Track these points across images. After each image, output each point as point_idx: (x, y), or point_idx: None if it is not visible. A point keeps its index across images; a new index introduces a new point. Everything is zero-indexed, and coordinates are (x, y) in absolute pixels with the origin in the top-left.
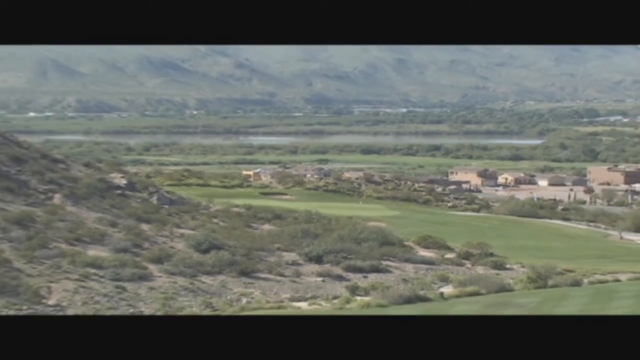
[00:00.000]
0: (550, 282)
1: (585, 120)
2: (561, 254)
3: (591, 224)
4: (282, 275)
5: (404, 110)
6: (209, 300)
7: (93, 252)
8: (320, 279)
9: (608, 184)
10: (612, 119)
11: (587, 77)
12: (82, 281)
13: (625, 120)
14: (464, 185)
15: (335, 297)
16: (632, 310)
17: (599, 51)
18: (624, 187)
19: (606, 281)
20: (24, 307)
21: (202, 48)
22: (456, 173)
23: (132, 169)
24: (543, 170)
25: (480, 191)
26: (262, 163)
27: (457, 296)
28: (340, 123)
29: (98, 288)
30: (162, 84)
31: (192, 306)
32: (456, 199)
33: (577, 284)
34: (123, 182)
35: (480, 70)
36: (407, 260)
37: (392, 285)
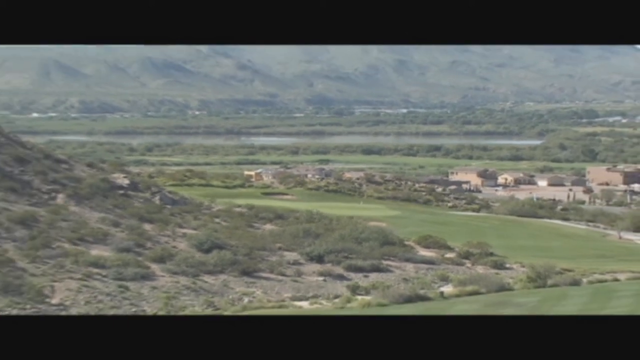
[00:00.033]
0: (549, 282)
1: (584, 120)
2: (560, 254)
3: (590, 223)
4: (283, 274)
5: (405, 110)
6: (211, 300)
7: (96, 251)
8: (321, 278)
9: (607, 184)
10: (610, 119)
11: (586, 78)
12: (85, 280)
13: (624, 120)
14: (464, 186)
15: (336, 297)
16: (631, 309)
17: (598, 52)
18: (622, 187)
19: (605, 280)
20: (28, 306)
21: (204, 49)
22: (456, 173)
23: (134, 169)
24: (542, 171)
25: (480, 191)
26: (264, 163)
27: (457, 295)
28: (341, 124)
29: (101, 287)
30: (165, 85)
31: (194, 305)
32: (456, 199)
33: (576, 283)
34: (126, 182)
35: (480, 71)
36: (407, 260)
37: (392, 284)
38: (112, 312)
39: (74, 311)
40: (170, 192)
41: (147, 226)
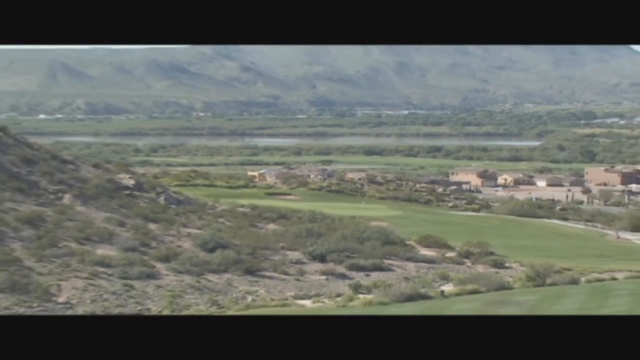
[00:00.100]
0: (548, 281)
1: (582, 122)
2: (559, 253)
3: (589, 223)
4: (286, 273)
5: (406, 112)
6: (215, 298)
7: (102, 251)
8: (323, 277)
9: (605, 184)
10: (609, 121)
11: (584, 80)
12: (91, 279)
13: (622, 122)
14: (464, 186)
15: (339, 295)
16: (629, 307)
17: (596, 55)
18: (620, 187)
19: (603, 279)
20: (35, 304)
21: (208, 52)
22: (457, 174)
23: (140, 170)
24: (541, 171)
25: (480, 191)
26: (267, 164)
27: (458, 294)
28: (343, 125)
29: (107, 286)
30: (170, 86)
31: (198, 304)
32: (457, 199)
33: (574, 282)
34: (131, 182)
35: (480, 74)
36: (408, 259)
37: (394, 283)
38: (117, 311)
39: (80, 309)
40: (175, 192)
41: (152, 226)
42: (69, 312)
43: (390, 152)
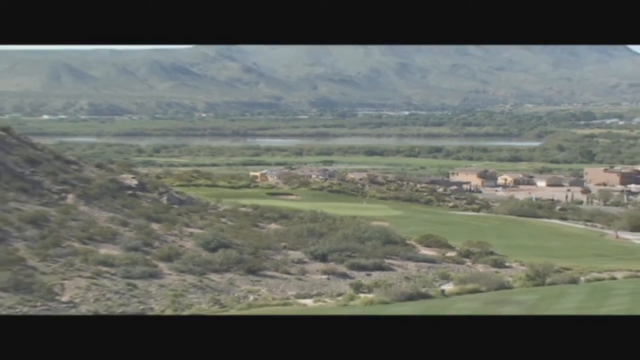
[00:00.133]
0: (548, 280)
1: (582, 122)
2: (559, 253)
3: (588, 223)
4: (288, 273)
5: (407, 113)
6: (217, 298)
7: (105, 250)
8: (325, 276)
9: (604, 184)
10: (608, 121)
11: (584, 81)
12: (94, 279)
13: (621, 122)
14: (465, 186)
15: (340, 294)
16: (628, 307)
17: (596, 56)
18: (619, 187)
19: (603, 279)
20: (38, 303)
21: (210, 53)
22: (457, 174)
23: (142, 170)
24: (541, 172)
25: (480, 192)
26: (269, 164)
27: (458, 293)
28: (344, 125)
29: (110, 285)
30: (172, 87)
31: (200, 303)
32: (457, 199)
33: (574, 281)
34: (134, 182)
35: (480, 75)
36: (409, 259)
37: (394, 282)
38: (120, 310)
39: (83, 309)
40: (177, 192)
41: (154, 226)
42: (73, 311)
43: (391, 153)
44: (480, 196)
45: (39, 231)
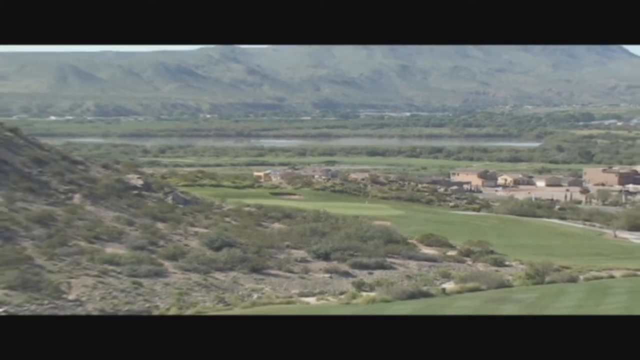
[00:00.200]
0: (547, 279)
1: (581, 123)
2: (558, 252)
3: (587, 223)
4: (291, 271)
5: (408, 114)
6: (221, 296)
7: (111, 249)
8: (327, 275)
9: (603, 184)
10: (606, 122)
11: (582, 82)
12: (101, 277)
13: (619, 123)
14: (465, 186)
15: (342, 293)
16: (626, 305)
17: (594, 58)
18: (618, 187)
19: (601, 277)
20: (45, 301)
21: (215, 55)
22: (458, 174)
23: (148, 170)
24: (541, 172)
25: (480, 191)
26: (272, 165)
27: (459, 292)
28: (347, 126)
29: (116, 284)
30: (177, 89)
31: (205, 301)
32: (458, 199)
33: (573, 280)
34: (140, 182)
35: (480, 76)
36: (410, 258)
37: (396, 281)
38: (126, 308)
39: (89, 307)
40: (182, 192)
41: (160, 225)
42: (79, 309)
43: (392, 153)
44: (480, 196)
45: (46, 230)
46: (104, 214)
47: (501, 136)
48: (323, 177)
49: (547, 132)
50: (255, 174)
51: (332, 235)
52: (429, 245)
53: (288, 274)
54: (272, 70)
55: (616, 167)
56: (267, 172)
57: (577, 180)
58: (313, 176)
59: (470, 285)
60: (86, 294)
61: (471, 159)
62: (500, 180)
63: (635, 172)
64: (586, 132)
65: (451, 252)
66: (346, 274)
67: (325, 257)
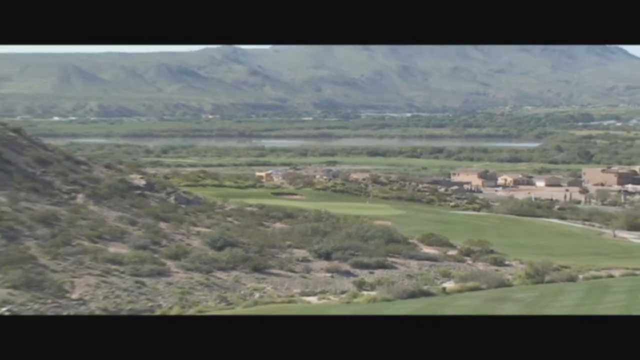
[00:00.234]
0: (547, 278)
1: (580, 124)
2: (558, 251)
3: (586, 222)
4: (293, 271)
5: (409, 114)
6: (223, 295)
7: (114, 249)
8: (329, 274)
9: (602, 184)
10: (605, 123)
11: (582, 83)
12: (104, 276)
13: (618, 124)
14: (466, 186)
15: (343, 292)
16: (625, 304)
17: (593, 59)
18: (617, 187)
19: (600, 277)
20: (49, 300)
21: (217, 56)
22: (458, 174)
23: (151, 170)
24: (540, 172)
25: (480, 191)
26: (274, 165)
27: (459, 291)
28: (348, 127)
29: (119, 283)
30: (180, 89)
31: (207, 300)
32: (458, 198)
33: (572, 279)
34: (142, 182)
35: (480, 77)
36: (411, 257)
37: (397, 280)
38: (129, 307)
39: (92, 306)
40: (184, 192)
41: (162, 225)
42: (82, 308)
43: (393, 153)
44: (480, 196)
45: (49, 230)
46: (107, 214)
47: (501, 136)
48: (324, 177)
49: (547, 132)
50: (257, 174)
51: (333, 235)
52: (430, 244)
53: (290, 274)
54: (274, 71)
55: (615, 167)
56: (269, 172)
57: (576, 180)
58: (314, 176)
59: (470, 284)
60: (89, 293)
61: (471, 159)
62: (500, 181)
63: (634, 172)
64: (585, 132)
65: (451, 252)
66: (347, 274)
67: (327, 256)
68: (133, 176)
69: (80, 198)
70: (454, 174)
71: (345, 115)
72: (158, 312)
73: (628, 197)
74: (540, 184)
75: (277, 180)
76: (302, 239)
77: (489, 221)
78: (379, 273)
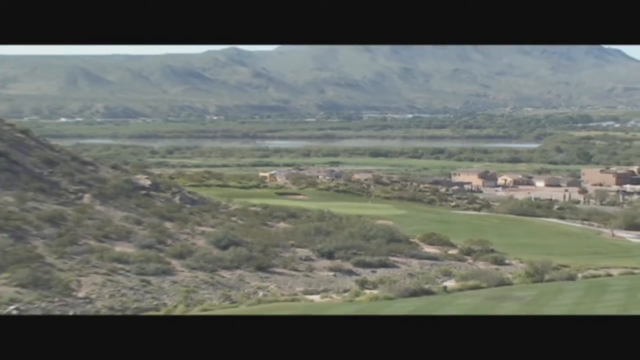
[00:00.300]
0: (546, 277)
1: (579, 125)
2: (557, 251)
3: (585, 222)
4: (296, 270)
5: (410, 116)
6: (227, 294)
7: (120, 248)
8: (331, 273)
9: (601, 184)
10: (604, 124)
11: (581, 85)
12: (110, 275)
13: (617, 125)
14: (466, 186)
15: (346, 291)
16: (623, 303)
17: (592, 61)
18: (615, 187)
19: (599, 276)
20: (56, 299)
21: (221, 58)
22: (459, 175)
23: (156, 171)
24: (540, 172)
25: (481, 191)
26: (278, 165)
27: (460, 290)
28: (350, 128)
29: (124, 282)
30: (185, 91)
31: (212, 299)
32: (459, 198)
33: (571, 278)
34: (148, 183)
35: (481, 79)
36: (412, 256)
37: (398, 279)
38: (135, 305)
39: (99, 304)
40: (189, 192)
41: (167, 224)
42: (89, 307)
43: (395, 154)
44: (481, 196)
45: (56, 229)
46: (113, 214)
47: (501, 137)
48: (327, 178)
49: (546, 133)
50: (261, 174)
51: (336, 234)
52: (431, 244)
53: (293, 272)
54: (277, 73)
55: (614, 168)
56: (273, 172)
57: (575, 180)
58: (317, 176)
59: (471, 283)
60: (95, 291)
61: (472, 160)
62: (500, 181)
63: (632, 172)
64: (584, 133)
65: (452, 251)
66: (350, 272)
67: (330, 255)
68: (139, 176)
69: (86, 198)
70: (455, 174)
71: (347, 116)
72: (163, 310)
73: (626, 197)
74: (539, 184)
75: (280, 180)
76: (305, 239)
77: (489, 221)
78: (381, 272)
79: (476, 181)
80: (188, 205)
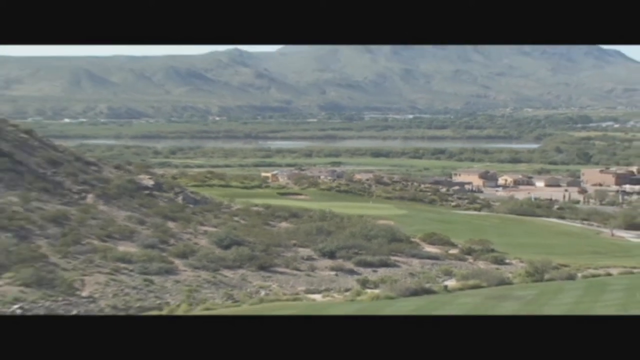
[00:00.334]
0: (546, 276)
1: (579, 126)
2: (557, 250)
3: (585, 222)
4: (298, 269)
5: (411, 116)
6: (230, 293)
7: (123, 247)
8: (333, 273)
9: (600, 185)
10: (604, 124)
11: (580, 86)
12: (113, 275)
13: (616, 126)
14: (467, 186)
15: (347, 290)
16: (623, 302)
17: (592, 62)
18: (615, 187)
19: (598, 275)
20: (59, 298)
21: (224, 59)
22: (459, 175)
23: (159, 171)
24: (540, 172)
25: (481, 192)
26: (280, 165)
27: (460, 289)
28: (351, 128)
29: (128, 281)
30: (187, 92)
31: (214, 298)
32: (459, 198)
33: (571, 277)
34: (151, 183)
35: (481, 80)
36: (413, 256)
37: (399, 278)
38: (138, 304)
39: (102, 303)
40: (192, 192)
41: (170, 224)
42: (92, 306)
43: (396, 154)
44: (481, 196)
45: (60, 229)
46: (117, 214)
47: (501, 138)
48: (329, 178)
49: (546, 134)
50: (263, 174)
51: (337, 234)
52: (432, 243)
53: (295, 272)
54: (280, 74)
55: (613, 168)
56: (275, 172)
57: (575, 180)
58: (319, 177)
59: (471, 282)
60: (99, 291)
61: (472, 160)
62: (500, 181)
63: (632, 172)
64: (584, 134)
65: (453, 251)
66: (351, 272)
67: (331, 255)
68: (142, 176)
69: (90, 198)
70: (456, 174)
71: (349, 117)
72: (166, 309)
73: (626, 197)
74: (539, 184)
75: (282, 180)
76: (307, 238)
77: (490, 221)
78: (382, 271)
79: (477, 181)
80: (191, 205)
